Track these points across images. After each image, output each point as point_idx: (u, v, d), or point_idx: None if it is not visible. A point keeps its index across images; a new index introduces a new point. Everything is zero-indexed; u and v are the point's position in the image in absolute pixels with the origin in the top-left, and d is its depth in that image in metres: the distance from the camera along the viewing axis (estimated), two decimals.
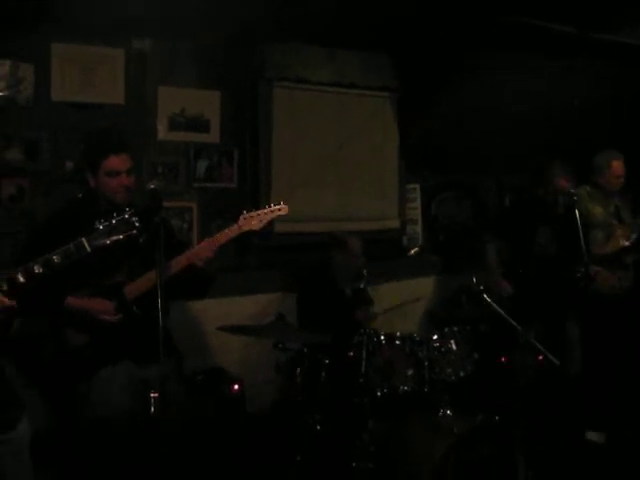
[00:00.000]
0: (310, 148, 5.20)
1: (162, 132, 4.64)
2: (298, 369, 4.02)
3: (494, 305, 3.90)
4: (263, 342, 4.24)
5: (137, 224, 2.43)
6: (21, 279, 2.30)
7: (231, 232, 3.29)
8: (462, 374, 3.99)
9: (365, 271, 4.11)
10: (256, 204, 4.87)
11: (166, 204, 3.32)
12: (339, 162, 5.33)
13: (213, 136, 4.79)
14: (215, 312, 4.49)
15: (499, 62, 5.24)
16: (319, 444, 3.89)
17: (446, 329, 4.07)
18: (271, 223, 3.68)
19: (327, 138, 5.27)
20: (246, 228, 3.31)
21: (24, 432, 2.55)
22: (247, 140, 4.96)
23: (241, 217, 3.32)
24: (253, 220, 3.32)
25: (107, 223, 2.40)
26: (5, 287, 2.27)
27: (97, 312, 3.11)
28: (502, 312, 3.89)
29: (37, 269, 2.31)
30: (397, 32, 5.04)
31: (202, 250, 3.23)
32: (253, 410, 4.43)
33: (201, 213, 4.74)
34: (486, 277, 4.58)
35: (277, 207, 3.38)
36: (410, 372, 3.88)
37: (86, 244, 2.36)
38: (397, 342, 3.93)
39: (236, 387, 4.32)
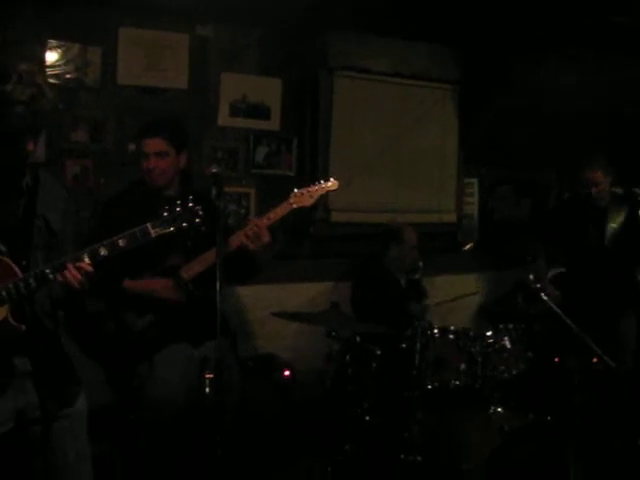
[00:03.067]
0: (369, 138, 5.18)
1: (223, 118, 4.68)
2: (349, 358, 4.04)
3: (551, 303, 3.85)
4: (315, 330, 4.25)
5: (201, 212, 2.46)
6: (86, 260, 2.35)
7: (283, 209, 3.31)
8: (515, 372, 3.95)
9: (421, 263, 4.10)
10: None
11: (225, 189, 3.37)
12: (398, 153, 5.31)
13: (273, 123, 4.82)
14: (269, 299, 4.53)
15: (563, 56, 5.14)
16: (367, 434, 3.91)
17: (501, 326, 4.03)
18: (328, 210, 3.71)
19: (386, 129, 5.24)
20: (297, 205, 3.33)
21: (82, 408, 2.60)
22: (306, 128, 4.97)
23: (292, 194, 3.33)
24: (304, 196, 3.33)
25: (172, 211, 2.43)
26: (52, 276, 2.32)
27: (156, 291, 3.18)
28: (560, 311, 3.84)
29: (102, 251, 2.35)
30: (461, 24, 4.99)
31: (255, 228, 3.24)
32: (302, 397, 4.45)
33: (259, 199, 4.78)
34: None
35: (328, 183, 3.38)
36: (462, 367, 3.86)
37: (151, 230, 2.39)
38: (450, 336, 3.91)
39: (287, 373, 4.36)
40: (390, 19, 4.82)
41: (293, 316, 3.85)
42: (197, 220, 2.47)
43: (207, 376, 2.74)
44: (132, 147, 4.37)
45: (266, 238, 3.26)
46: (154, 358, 3.20)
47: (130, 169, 4.22)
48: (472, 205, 5.83)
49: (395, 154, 5.30)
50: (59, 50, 4.22)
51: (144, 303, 3.21)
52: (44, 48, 4.17)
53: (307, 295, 4.81)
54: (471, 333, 3.95)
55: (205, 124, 4.59)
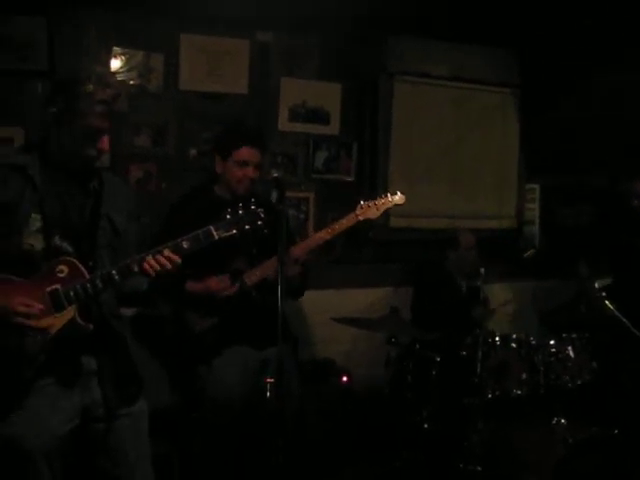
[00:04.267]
0: (429, 143, 5.14)
1: (283, 123, 4.69)
2: (408, 365, 4.00)
3: (617, 313, 3.76)
4: (373, 335, 4.23)
5: (263, 215, 2.48)
6: (145, 265, 2.38)
7: (349, 221, 3.33)
8: (579, 382, 3.85)
9: (482, 269, 4.03)
10: (373, 197, 4.86)
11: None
12: (458, 158, 5.25)
13: (332, 128, 4.81)
14: (327, 303, 4.52)
15: (627, 61, 5.01)
16: (426, 442, 3.86)
17: (564, 335, 3.94)
18: (387, 214, 3.68)
19: (446, 133, 5.19)
20: (363, 217, 3.34)
21: (143, 408, 2.64)
22: (366, 133, 4.95)
23: (358, 206, 3.33)
24: (370, 209, 3.35)
25: (235, 213, 2.45)
26: (136, 269, 2.35)
27: (214, 290, 3.21)
28: (626, 321, 3.74)
29: (166, 253, 2.38)
30: (521, 27, 4.92)
31: (320, 238, 3.26)
32: (360, 403, 4.42)
33: (318, 204, 4.77)
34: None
35: (395, 196, 3.38)
36: (524, 376, 3.78)
37: (214, 232, 2.41)
38: (513, 345, 3.84)
39: (345, 379, 4.33)
40: (449, 23, 4.78)
41: (352, 321, 3.83)
42: (259, 222, 2.49)
43: (268, 380, 2.74)
44: (193, 152, 4.42)
45: (307, 258, 3.29)
46: (215, 360, 3.22)
47: (191, 174, 4.29)
48: (533, 211, 5.71)
49: (455, 159, 5.24)
50: (123, 57, 4.30)
51: (206, 305, 3.24)
52: (109, 55, 4.26)
53: (366, 300, 4.79)
54: (534, 341, 3.87)
55: (265, 129, 4.61)
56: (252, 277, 3.25)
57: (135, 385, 2.62)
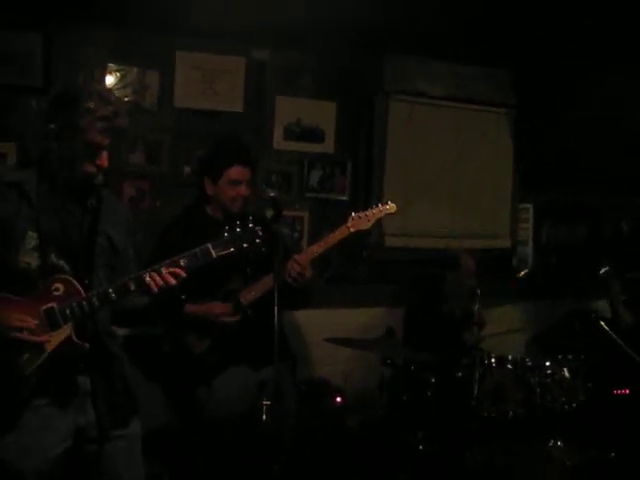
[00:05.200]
0: (424, 162, 5.13)
1: (277, 141, 4.68)
2: (403, 386, 3.96)
3: (612, 334, 3.75)
4: (367, 356, 4.19)
5: (261, 233, 2.45)
6: (147, 279, 2.35)
7: (341, 233, 3.31)
8: (574, 404, 3.83)
9: (478, 291, 4.02)
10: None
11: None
12: (453, 177, 5.25)
13: (327, 146, 4.80)
14: (321, 323, 4.49)
15: (622, 79, 5.04)
16: (422, 464, 3.82)
17: (560, 356, 3.93)
18: (381, 234, 3.66)
19: (442, 153, 5.19)
20: (355, 229, 3.32)
21: (137, 430, 2.60)
22: (361, 152, 4.94)
23: (350, 218, 3.32)
24: (361, 220, 3.33)
25: (233, 231, 2.42)
26: (133, 287, 2.32)
27: (216, 315, 3.17)
28: (620, 341, 3.73)
29: (164, 270, 2.35)
30: (517, 48, 4.94)
31: (296, 266, 3.23)
32: (354, 424, 4.38)
33: (312, 223, 4.75)
34: (607, 304, 4.41)
35: (386, 206, 3.37)
36: (520, 397, 3.76)
37: (212, 250, 2.39)
38: (508, 366, 3.82)
39: (339, 399, 4.29)
40: (446, 42, 4.79)
41: (346, 342, 3.79)
42: (257, 241, 2.46)
43: (264, 403, 2.71)
44: (188, 170, 4.40)
45: (309, 273, 3.25)
46: (213, 381, 3.18)
47: (185, 191, 4.25)
48: (526, 230, 5.71)
49: (450, 178, 5.24)
50: (117, 73, 4.28)
51: (204, 327, 3.21)
52: (105, 71, 4.24)
53: (361, 320, 4.75)
54: (529, 363, 3.85)
55: (260, 147, 4.59)
56: (247, 296, 3.21)
57: (129, 406, 2.58)
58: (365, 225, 3.33)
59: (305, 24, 4.30)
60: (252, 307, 3.19)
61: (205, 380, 3.19)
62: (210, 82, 4.47)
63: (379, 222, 4.82)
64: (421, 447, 3.82)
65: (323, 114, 4.78)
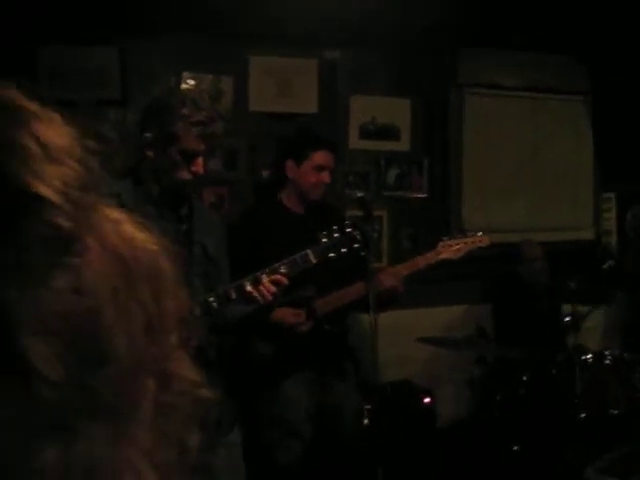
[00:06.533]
0: (502, 156, 5.02)
1: (353, 141, 4.64)
2: (493, 385, 3.88)
3: None
4: (452, 354, 4.12)
5: (359, 237, 2.41)
6: (249, 288, 2.33)
7: (429, 259, 3.23)
8: None
9: (572, 284, 3.89)
10: (446, 213, 4.79)
11: (357, 213, 3.32)
12: (531, 170, 5.12)
13: (403, 144, 4.73)
14: (404, 323, 4.42)
15: None
16: (516, 464, 3.73)
17: None
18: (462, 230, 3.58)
19: (519, 145, 5.07)
20: (444, 256, 3.23)
21: (237, 437, 2.60)
22: (437, 148, 4.86)
23: (440, 244, 3.24)
24: (452, 248, 3.24)
25: (331, 236, 2.39)
26: (234, 296, 2.31)
27: (289, 322, 3.13)
28: None
29: (265, 279, 2.33)
30: (592, 34, 4.79)
31: (398, 273, 3.18)
32: (443, 425, 4.31)
33: (391, 222, 4.69)
34: None
35: (478, 238, 3.28)
36: (621, 394, 3.63)
37: (312, 257, 2.36)
38: (607, 361, 3.69)
39: (427, 400, 4.22)
40: (517, 32, 4.68)
41: (438, 341, 3.73)
42: (355, 245, 2.42)
43: (365, 407, 2.67)
44: (265, 173, 4.39)
45: (401, 289, 3.19)
46: (281, 384, 3.15)
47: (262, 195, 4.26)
48: (610, 221, 5.54)
49: (529, 171, 5.11)
50: (192, 81, 4.30)
51: (273, 331, 3.16)
52: (179, 80, 4.27)
53: (442, 319, 4.68)
54: (627, 358, 3.72)
55: None
56: (325, 307, 3.13)
57: (229, 414, 2.57)
58: (455, 255, 3.25)
59: (375, 21, 4.25)
60: (327, 317, 3.12)
61: (271, 384, 3.16)
62: (284, 85, 4.46)
63: (458, 218, 4.82)
64: (515, 447, 3.73)
65: (398, 111, 4.71)
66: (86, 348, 0.36)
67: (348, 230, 2.41)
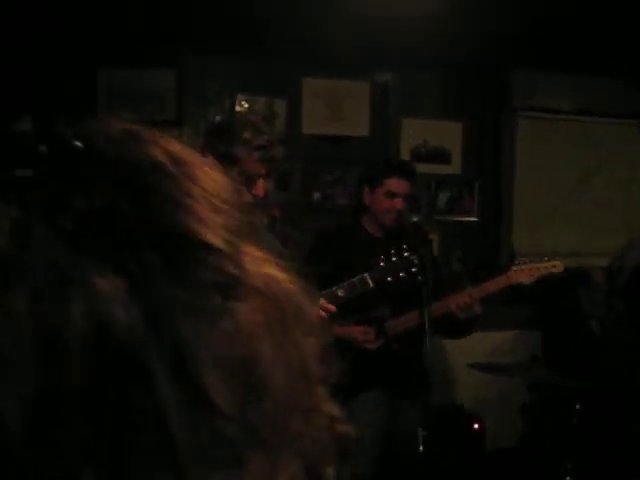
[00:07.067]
0: (553, 180, 4.98)
1: None
2: (545, 412, 3.82)
3: None
4: (503, 380, 4.07)
5: (416, 262, 2.41)
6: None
7: (499, 283, 3.20)
8: None
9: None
10: (497, 237, 4.75)
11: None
12: (583, 194, 5.06)
13: (454, 167, 4.73)
14: (454, 347, 4.39)
15: None
16: None
17: None
18: (512, 254, 3.54)
19: (571, 169, 5.02)
20: (515, 281, 3.20)
21: None
22: (489, 172, 4.84)
23: (512, 268, 3.21)
24: (524, 273, 3.19)
25: (389, 260, 2.40)
26: None
27: (358, 340, 3.14)
28: None
29: (322, 302, 2.34)
30: None
31: (468, 298, 3.16)
32: (493, 451, 4.26)
33: (442, 245, 4.67)
34: None
35: (551, 263, 3.23)
36: None
37: (369, 280, 2.37)
38: None
39: (476, 426, 4.18)
40: (570, 55, 4.65)
41: (489, 367, 3.69)
42: (413, 270, 2.42)
43: (422, 433, 2.65)
44: (317, 195, 4.43)
45: (477, 309, 3.17)
46: (351, 403, 3.15)
47: (315, 217, 4.28)
48: None
49: (581, 195, 5.05)
50: (246, 103, 4.36)
51: (341, 348, 3.16)
52: (234, 102, 4.33)
53: (494, 343, 4.63)
54: None
55: None
56: (396, 328, 3.15)
57: None
58: (527, 280, 3.20)
59: (427, 43, 4.26)
60: (398, 338, 3.13)
61: (338, 400, 3.15)
62: (336, 107, 4.50)
63: (509, 242, 4.78)
64: (568, 478, 3.65)
65: (449, 134, 4.71)
66: (248, 385, 0.38)
67: (405, 254, 2.41)
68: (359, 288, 2.36)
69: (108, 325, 0.34)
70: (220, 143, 2.35)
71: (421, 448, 2.60)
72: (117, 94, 4.19)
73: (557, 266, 3.22)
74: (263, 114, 4.35)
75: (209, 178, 0.43)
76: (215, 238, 0.38)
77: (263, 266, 0.42)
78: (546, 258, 3.26)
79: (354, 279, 2.36)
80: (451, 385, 4.57)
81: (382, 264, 2.38)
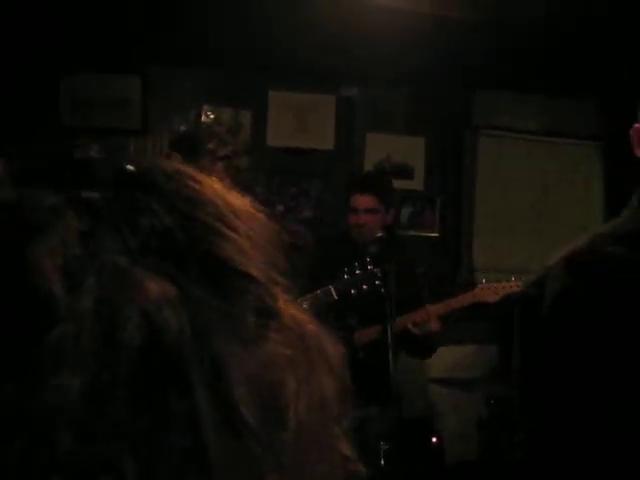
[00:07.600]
0: (514, 197, 5.06)
1: None
2: (501, 426, 3.86)
3: None
4: (461, 394, 4.11)
5: (379, 275, 2.44)
6: None
7: (464, 300, 3.24)
8: None
9: None
10: (458, 252, 4.81)
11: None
12: (543, 212, 5.15)
13: (417, 183, 4.78)
14: (418, 361, 4.42)
15: None
16: None
17: None
18: (472, 269, 3.55)
19: (531, 188, 5.11)
20: (479, 299, 3.24)
21: None
22: (450, 188, 4.91)
23: (478, 286, 3.25)
24: (489, 292, 3.23)
25: (352, 273, 2.42)
26: None
27: None
28: None
29: None
30: (608, 80, 4.85)
31: (424, 315, 3.18)
32: (454, 465, 4.28)
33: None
34: None
35: (515, 282, 3.28)
36: None
37: (333, 292, 2.39)
38: None
39: (434, 440, 4.20)
40: (532, 76, 4.74)
41: (448, 382, 3.73)
42: (377, 283, 2.45)
43: (383, 447, 2.67)
44: (280, 208, 4.43)
45: (435, 326, 3.19)
46: None
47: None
48: None
49: (539, 213, 5.15)
50: (211, 114, 4.36)
51: None
52: (199, 112, 4.33)
53: (451, 358, 4.67)
54: None
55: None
56: (363, 338, 3.16)
57: None
58: (492, 298, 3.25)
59: (393, 60, 4.31)
60: (365, 348, 3.15)
61: None
62: (301, 120, 4.52)
63: (468, 257, 4.84)
64: None
65: (412, 150, 4.77)
66: (274, 409, 0.40)
67: (369, 267, 2.44)
68: (323, 300, 2.38)
69: (161, 329, 0.36)
70: (185, 153, 2.36)
71: (382, 462, 2.61)
72: (80, 101, 4.16)
73: (521, 286, 3.27)
74: (229, 125, 4.36)
75: (252, 217, 0.47)
76: (256, 271, 0.42)
77: (290, 307, 0.45)
78: (513, 278, 3.31)
79: (318, 291, 2.38)
80: (412, 399, 4.59)
81: (346, 276, 2.40)
